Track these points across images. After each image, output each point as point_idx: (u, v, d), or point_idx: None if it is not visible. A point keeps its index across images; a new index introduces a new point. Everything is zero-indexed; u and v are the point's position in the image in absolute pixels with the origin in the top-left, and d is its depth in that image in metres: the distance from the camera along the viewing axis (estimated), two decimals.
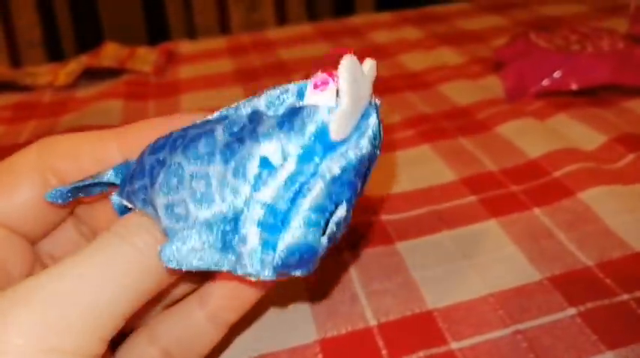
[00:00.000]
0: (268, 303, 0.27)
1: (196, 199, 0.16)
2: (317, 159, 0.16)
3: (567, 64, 0.44)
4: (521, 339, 0.24)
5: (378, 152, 0.18)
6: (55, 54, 1.09)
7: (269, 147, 0.16)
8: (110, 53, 0.62)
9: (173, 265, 0.17)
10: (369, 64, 0.18)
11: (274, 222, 0.16)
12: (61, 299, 0.16)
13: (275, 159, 0.16)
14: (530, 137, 0.39)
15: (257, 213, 0.16)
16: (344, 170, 0.16)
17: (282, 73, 0.55)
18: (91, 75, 0.57)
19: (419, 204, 0.33)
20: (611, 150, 0.36)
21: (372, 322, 0.25)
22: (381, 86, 0.52)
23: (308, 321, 0.26)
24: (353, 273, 0.28)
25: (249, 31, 0.71)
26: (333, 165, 0.16)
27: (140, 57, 0.61)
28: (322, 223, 0.16)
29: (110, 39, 0.65)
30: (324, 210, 0.16)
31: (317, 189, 0.16)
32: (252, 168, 0.16)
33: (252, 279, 0.17)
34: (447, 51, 0.57)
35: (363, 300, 0.27)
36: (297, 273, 0.17)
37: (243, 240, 0.16)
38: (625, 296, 0.25)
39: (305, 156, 0.16)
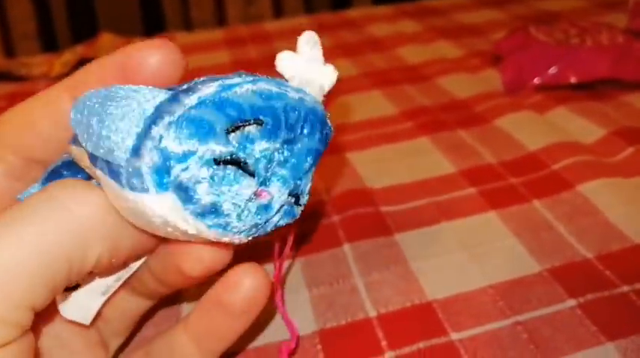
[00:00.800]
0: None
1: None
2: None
3: (566, 57, 0.44)
4: (522, 330, 0.24)
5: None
6: (50, 46, 1.08)
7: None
8: (106, 44, 0.61)
9: (77, 121, 0.16)
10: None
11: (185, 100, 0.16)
12: None
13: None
14: (529, 130, 0.39)
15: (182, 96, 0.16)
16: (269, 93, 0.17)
17: None
18: None
19: (418, 196, 0.33)
20: (610, 144, 0.36)
21: (372, 313, 0.25)
22: (378, 79, 0.52)
23: (307, 312, 0.26)
24: (352, 264, 0.28)
25: (245, 24, 0.70)
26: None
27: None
28: (229, 116, 0.16)
29: (105, 32, 0.64)
30: (236, 107, 0.16)
31: (242, 86, 0.17)
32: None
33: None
34: (445, 44, 0.56)
35: (362, 291, 0.27)
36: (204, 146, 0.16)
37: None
38: (625, 288, 0.25)
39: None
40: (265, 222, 0.18)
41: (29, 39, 1.09)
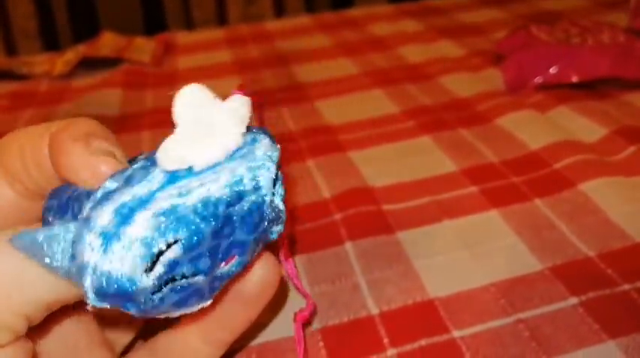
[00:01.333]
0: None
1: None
2: (153, 187, 0.16)
3: (568, 56, 0.44)
4: (523, 328, 0.24)
5: (262, 199, 0.17)
6: (51, 44, 1.08)
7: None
8: (108, 43, 0.61)
9: (21, 247, 0.16)
10: (240, 100, 0.17)
11: (101, 245, 0.15)
12: None
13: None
14: (531, 129, 0.39)
15: (92, 235, 0.15)
16: (175, 206, 0.15)
17: (281, 63, 0.55)
18: (89, 64, 0.57)
19: (420, 194, 0.33)
20: (612, 143, 0.36)
21: (374, 311, 0.25)
22: (380, 78, 0.52)
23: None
24: (354, 262, 0.28)
25: (246, 23, 0.70)
26: (164, 197, 0.15)
27: (138, 47, 0.60)
28: (146, 257, 0.15)
29: (107, 31, 0.65)
30: (148, 244, 0.15)
31: (141, 219, 0.15)
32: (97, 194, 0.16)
33: (88, 303, 0.16)
34: (447, 43, 0.56)
35: (364, 289, 0.27)
36: (127, 308, 0.16)
37: (80, 255, 0.15)
38: (626, 286, 0.25)
39: (142, 184, 0.16)
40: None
41: (30, 38, 1.09)
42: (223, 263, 0.17)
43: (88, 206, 0.16)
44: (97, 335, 0.21)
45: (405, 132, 0.41)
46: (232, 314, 0.20)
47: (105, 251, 0.15)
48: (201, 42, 0.64)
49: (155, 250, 0.15)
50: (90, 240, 0.15)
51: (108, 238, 0.15)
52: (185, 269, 0.16)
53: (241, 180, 0.17)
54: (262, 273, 0.20)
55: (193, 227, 0.16)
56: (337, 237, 0.30)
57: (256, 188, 0.17)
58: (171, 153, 0.16)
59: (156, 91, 0.52)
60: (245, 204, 0.17)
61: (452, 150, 0.38)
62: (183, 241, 0.16)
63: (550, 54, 0.45)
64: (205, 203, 0.16)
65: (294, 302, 0.26)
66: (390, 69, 0.52)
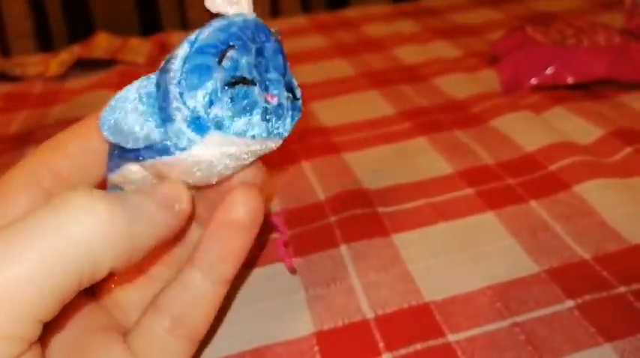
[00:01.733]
0: (264, 295, 0.27)
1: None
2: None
3: (563, 57, 0.44)
4: (519, 332, 0.24)
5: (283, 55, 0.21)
6: (46, 45, 1.08)
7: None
8: (102, 44, 0.61)
9: (110, 132, 0.19)
10: None
11: (180, 62, 0.19)
12: None
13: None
14: (526, 130, 0.39)
15: (171, 66, 0.19)
16: (228, 25, 0.20)
17: None
18: (83, 65, 0.56)
19: (415, 196, 0.33)
20: (607, 144, 0.36)
21: (369, 314, 0.25)
22: (375, 79, 0.52)
23: (304, 314, 0.26)
24: (349, 265, 0.28)
25: None
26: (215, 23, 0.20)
27: (133, 48, 0.60)
28: (212, 52, 0.19)
29: (101, 32, 0.64)
30: (213, 46, 0.19)
31: (205, 33, 0.19)
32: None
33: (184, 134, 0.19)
34: (442, 44, 0.56)
35: (359, 292, 0.26)
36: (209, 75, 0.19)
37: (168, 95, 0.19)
38: (622, 289, 0.25)
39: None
40: (285, 120, 0.21)
41: (25, 38, 1.09)
42: (266, 93, 0.20)
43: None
44: (103, 322, 0.21)
45: (401, 133, 0.40)
46: (228, 243, 0.21)
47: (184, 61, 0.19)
48: None
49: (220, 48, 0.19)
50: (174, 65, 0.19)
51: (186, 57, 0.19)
52: (243, 71, 0.19)
53: (266, 28, 0.21)
54: (250, 200, 0.21)
55: (242, 39, 0.20)
56: (332, 239, 0.30)
57: (277, 40, 0.21)
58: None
59: None
60: (270, 46, 0.21)
61: (447, 151, 0.37)
62: (237, 47, 0.19)
63: (546, 55, 0.45)
64: (243, 27, 0.20)
65: (287, 306, 0.26)
66: (385, 70, 0.52)
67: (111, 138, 0.19)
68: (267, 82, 0.20)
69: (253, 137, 0.19)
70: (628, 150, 0.35)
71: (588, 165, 0.34)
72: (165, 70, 0.19)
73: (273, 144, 0.20)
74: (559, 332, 0.24)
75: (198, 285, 0.21)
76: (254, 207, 0.21)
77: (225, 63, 0.19)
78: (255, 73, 0.20)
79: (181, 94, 0.18)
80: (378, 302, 0.26)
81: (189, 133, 0.18)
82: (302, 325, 0.25)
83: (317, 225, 0.31)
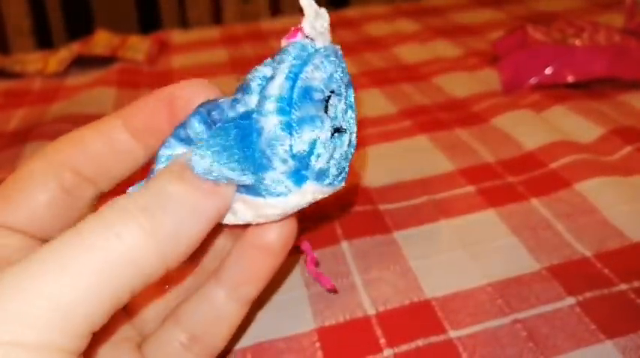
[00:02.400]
0: (266, 292, 0.27)
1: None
2: (303, 56, 0.19)
3: (564, 56, 0.44)
4: (520, 328, 0.24)
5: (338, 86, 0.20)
6: (45, 42, 1.08)
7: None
8: (102, 41, 0.61)
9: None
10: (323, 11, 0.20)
11: (283, 104, 0.18)
12: (25, 290, 0.15)
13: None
14: (527, 129, 0.39)
15: (270, 105, 0.17)
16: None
17: None
18: (82, 63, 0.56)
19: (416, 194, 0.33)
20: (608, 142, 0.36)
21: (371, 311, 0.25)
22: (376, 77, 0.52)
23: (306, 310, 0.26)
24: (350, 262, 0.28)
25: (242, 23, 0.70)
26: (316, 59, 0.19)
27: (132, 45, 0.60)
28: (319, 99, 0.18)
29: (101, 29, 0.64)
30: (320, 91, 0.18)
31: (304, 67, 0.18)
32: (254, 85, 0.18)
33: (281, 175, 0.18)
34: (443, 43, 0.56)
35: (361, 289, 0.26)
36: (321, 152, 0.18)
37: (261, 129, 0.17)
38: (623, 286, 0.25)
39: (296, 57, 0.19)
40: (348, 159, 0.20)
41: (24, 35, 1.09)
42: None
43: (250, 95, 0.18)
44: (119, 332, 0.21)
45: (402, 131, 0.40)
46: (256, 265, 0.20)
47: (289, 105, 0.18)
48: (196, 41, 0.64)
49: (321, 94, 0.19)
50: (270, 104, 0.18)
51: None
52: (339, 119, 0.19)
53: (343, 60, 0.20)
54: (284, 225, 0.20)
55: (339, 83, 0.19)
56: (334, 236, 0.30)
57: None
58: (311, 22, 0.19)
59: (150, 90, 0.51)
60: (348, 83, 0.20)
61: (448, 149, 0.37)
62: (335, 92, 0.19)
63: (546, 54, 0.45)
64: (337, 68, 0.19)
65: (289, 303, 0.26)
66: (386, 69, 0.52)
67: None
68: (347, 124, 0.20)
69: (338, 183, 0.19)
70: (628, 148, 0.35)
71: (589, 163, 0.34)
72: (257, 107, 0.18)
73: (338, 188, 0.20)
74: (560, 328, 0.24)
75: (221, 304, 0.21)
76: (287, 233, 0.20)
77: (330, 111, 0.19)
78: (344, 117, 0.19)
79: (291, 147, 0.17)
80: (380, 298, 0.26)
81: (288, 183, 0.18)
82: (303, 321, 0.25)
83: (319, 222, 0.31)
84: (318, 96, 0.18)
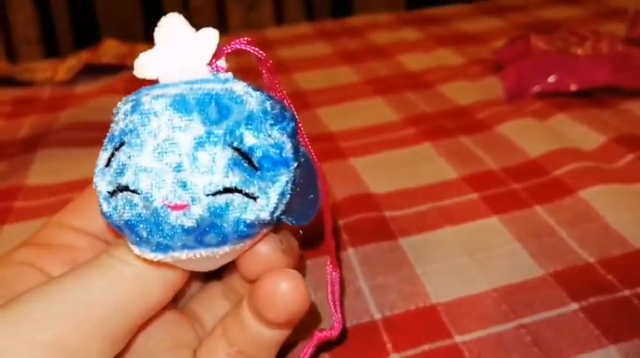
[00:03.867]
0: None
1: None
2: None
3: (567, 65, 0.44)
4: (525, 333, 0.24)
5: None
6: (52, 51, 1.09)
7: None
8: (110, 50, 0.61)
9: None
10: (209, 32, 0.19)
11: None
12: (58, 321, 0.17)
13: None
14: (531, 137, 0.39)
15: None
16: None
17: (281, 71, 0.56)
18: (91, 71, 0.57)
19: (421, 201, 0.33)
20: (611, 150, 0.37)
21: (377, 316, 0.26)
22: (380, 86, 0.53)
23: (313, 315, 0.26)
24: (357, 268, 0.28)
25: (247, 31, 0.71)
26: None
27: (140, 54, 0.60)
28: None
29: (108, 38, 0.65)
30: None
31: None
32: None
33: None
34: (446, 52, 0.57)
35: (367, 294, 0.27)
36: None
37: None
38: (627, 292, 0.26)
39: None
40: (208, 229, 0.17)
41: (31, 44, 1.10)
42: (172, 204, 0.17)
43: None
44: (179, 337, 0.22)
45: (406, 139, 0.41)
46: (265, 334, 0.20)
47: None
48: None
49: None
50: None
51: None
52: (129, 180, 0.17)
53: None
54: (287, 293, 0.19)
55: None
56: (340, 243, 0.30)
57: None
58: (137, 60, 0.19)
59: None
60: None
61: (452, 157, 0.38)
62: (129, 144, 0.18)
63: (549, 63, 0.45)
64: (147, 112, 0.18)
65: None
66: (390, 77, 0.52)
67: None
68: (174, 187, 0.17)
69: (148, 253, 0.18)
70: (631, 156, 0.36)
71: (592, 171, 0.34)
72: None
73: (217, 252, 0.18)
74: (564, 334, 0.24)
75: (253, 328, 0.20)
76: (291, 306, 0.19)
77: (113, 168, 0.18)
78: (145, 178, 0.17)
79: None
80: (386, 303, 0.26)
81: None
82: (311, 326, 0.25)
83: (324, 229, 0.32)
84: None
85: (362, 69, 0.55)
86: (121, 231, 0.18)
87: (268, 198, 0.18)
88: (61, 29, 1.11)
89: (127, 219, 0.17)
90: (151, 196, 0.16)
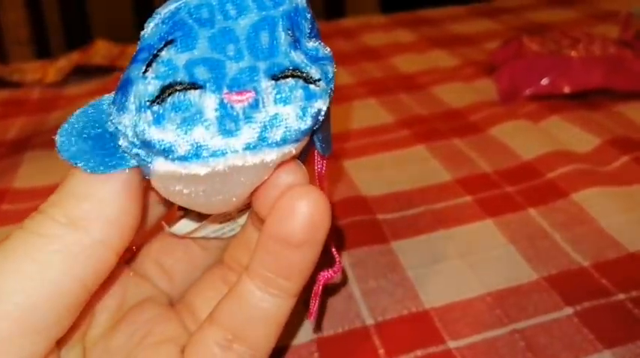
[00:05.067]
0: None
1: None
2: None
3: (560, 67, 0.44)
4: (519, 338, 0.24)
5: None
6: (43, 52, 1.08)
7: None
8: (101, 51, 0.61)
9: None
10: None
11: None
12: None
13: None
14: (524, 139, 0.39)
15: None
16: (173, 10, 0.16)
17: None
18: (81, 72, 0.56)
19: (414, 204, 0.33)
20: (604, 153, 0.37)
21: (369, 321, 0.25)
22: (374, 87, 0.52)
23: (304, 320, 0.26)
24: (349, 272, 0.28)
25: None
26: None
27: (131, 55, 0.60)
28: (143, 59, 0.16)
29: (99, 39, 0.64)
30: (147, 48, 0.16)
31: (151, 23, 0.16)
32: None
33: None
34: (440, 54, 0.57)
35: (359, 299, 0.27)
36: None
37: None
38: (621, 296, 0.25)
39: None
40: (274, 121, 0.16)
41: (22, 45, 1.09)
42: (234, 93, 0.15)
43: None
44: (162, 333, 0.20)
45: (400, 141, 0.41)
46: (286, 262, 0.18)
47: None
48: None
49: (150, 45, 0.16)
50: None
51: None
52: (181, 75, 0.15)
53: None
54: (308, 210, 0.17)
55: (186, 26, 0.16)
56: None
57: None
58: None
59: None
60: (249, 20, 0.16)
61: (446, 159, 0.38)
62: (177, 40, 0.15)
63: (542, 65, 0.45)
64: (198, 5, 0.16)
65: None
66: (383, 79, 0.52)
67: None
68: (236, 75, 0.16)
69: (205, 159, 0.15)
70: (624, 158, 0.35)
71: (586, 173, 0.34)
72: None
73: (255, 159, 0.16)
74: (558, 338, 0.24)
75: (256, 300, 0.18)
76: (314, 217, 0.17)
77: (157, 69, 0.15)
78: (199, 73, 0.15)
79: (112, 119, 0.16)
80: (378, 308, 0.26)
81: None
82: (302, 331, 0.25)
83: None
84: (142, 55, 0.16)
85: (356, 71, 0.54)
86: (163, 148, 0.15)
87: (327, 83, 0.17)
88: (52, 30, 1.10)
89: (178, 125, 0.15)
90: (212, 88, 0.15)
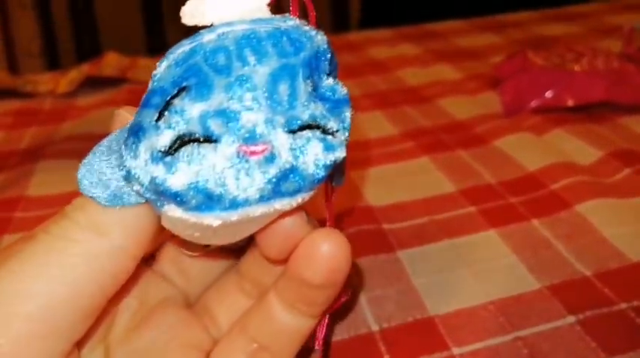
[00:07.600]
0: None
1: None
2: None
3: (564, 81, 0.45)
4: (522, 346, 0.24)
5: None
6: (54, 64, 1.09)
7: None
8: (111, 63, 0.62)
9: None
10: None
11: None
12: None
13: None
14: (528, 151, 0.39)
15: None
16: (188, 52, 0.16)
17: None
18: (93, 84, 0.58)
19: (419, 214, 0.34)
20: (607, 165, 0.37)
21: (374, 327, 0.26)
22: (379, 100, 0.53)
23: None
24: (355, 280, 0.29)
25: None
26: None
27: (142, 67, 0.61)
28: (156, 104, 0.15)
29: (109, 51, 0.66)
30: (159, 92, 0.15)
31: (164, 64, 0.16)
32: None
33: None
34: (444, 67, 0.58)
35: (364, 306, 0.27)
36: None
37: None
38: (623, 305, 0.26)
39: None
40: (289, 174, 0.16)
41: (33, 57, 1.10)
42: (250, 145, 0.15)
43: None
44: (188, 338, 0.21)
45: (405, 153, 0.41)
46: (308, 296, 0.19)
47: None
48: None
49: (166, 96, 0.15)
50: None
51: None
52: (196, 127, 0.15)
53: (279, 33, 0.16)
54: (329, 256, 0.18)
55: (201, 73, 0.15)
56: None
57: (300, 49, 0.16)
58: (187, 7, 0.16)
59: None
60: (267, 68, 0.15)
61: (450, 171, 0.38)
62: (192, 88, 0.15)
63: (546, 78, 0.46)
64: (216, 49, 0.15)
65: None
66: (389, 91, 0.53)
67: None
68: (252, 128, 0.15)
69: (213, 212, 0.15)
70: (627, 171, 0.36)
71: (589, 185, 0.35)
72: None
73: (269, 209, 0.16)
74: (561, 346, 0.24)
75: (281, 317, 0.19)
76: (333, 264, 0.18)
77: (170, 118, 0.15)
78: (213, 125, 0.15)
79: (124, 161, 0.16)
80: (383, 315, 0.26)
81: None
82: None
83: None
84: (154, 100, 0.15)
85: (361, 83, 0.55)
86: (176, 199, 0.15)
87: (344, 133, 0.17)
88: (62, 43, 1.12)
89: (191, 178, 0.15)
90: (227, 141, 0.15)
